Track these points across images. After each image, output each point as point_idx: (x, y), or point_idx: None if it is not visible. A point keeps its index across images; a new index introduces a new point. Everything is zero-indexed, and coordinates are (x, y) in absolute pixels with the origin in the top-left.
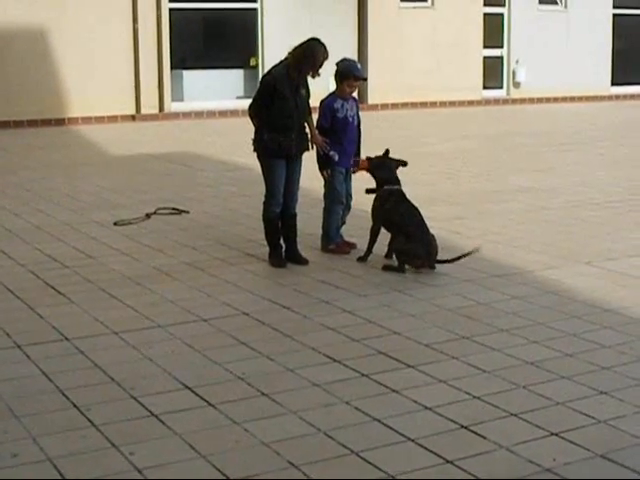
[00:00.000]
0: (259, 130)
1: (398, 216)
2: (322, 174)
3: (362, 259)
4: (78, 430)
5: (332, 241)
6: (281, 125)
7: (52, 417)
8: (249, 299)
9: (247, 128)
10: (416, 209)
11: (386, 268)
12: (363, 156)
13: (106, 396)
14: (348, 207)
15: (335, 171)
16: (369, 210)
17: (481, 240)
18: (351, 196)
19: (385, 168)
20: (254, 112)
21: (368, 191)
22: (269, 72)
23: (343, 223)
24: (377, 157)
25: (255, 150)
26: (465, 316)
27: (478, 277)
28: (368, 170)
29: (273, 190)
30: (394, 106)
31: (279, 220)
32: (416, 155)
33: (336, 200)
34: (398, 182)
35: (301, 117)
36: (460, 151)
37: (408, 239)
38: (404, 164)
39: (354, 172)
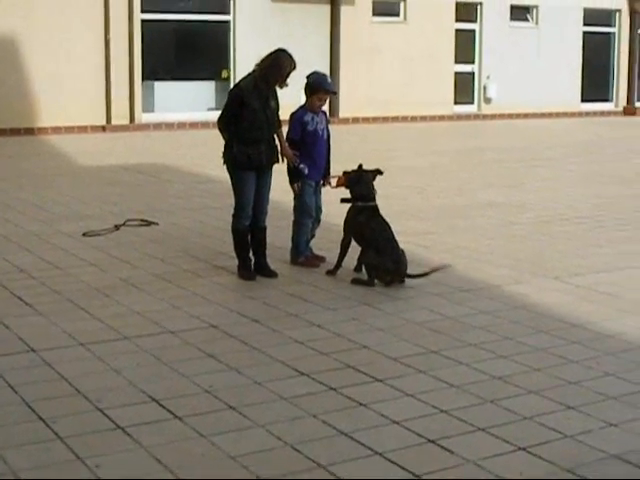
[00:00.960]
0: (229, 143)
1: (369, 230)
2: (292, 187)
3: (331, 272)
4: (43, 443)
5: (301, 254)
6: (250, 137)
7: (17, 429)
8: (217, 311)
9: (218, 140)
10: (387, 225)
11: (355, 282)
12: (335, 171)
13: (72, 408)
14: (318, 220)
15: (305, 184)
16: (339, 223)
17: (450, 255)
18: (321, 209)
19: (362, 184)
20: (223, 125)
21: (343, 200)
22: (237, 85)
23: (312, 236)
24: (353, 171)
25: (225, 162)
26: (433, 330)
27: (446, 291)
28: (346, 186)
29: (243, 203)
30: (365, 120)
31: (249, 233)
32: (387, 169)
33: (306, 213)
34: (373, 198)
35: (271, 129)
36: (431, 166)
37: (378, 253)
38: (380, 173)
39: (333, 187)
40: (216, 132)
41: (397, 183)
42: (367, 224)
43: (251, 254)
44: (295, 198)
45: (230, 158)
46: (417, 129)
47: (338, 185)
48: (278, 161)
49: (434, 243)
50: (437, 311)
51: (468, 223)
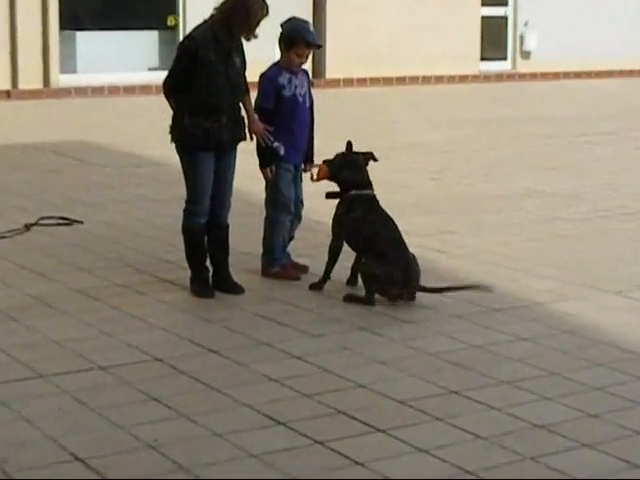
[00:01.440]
0: (178, 113)
1: (368, 229)
2: (264, 173)
3: (317, 286)
4: None
5: (276, 262)
6: (208, 106)
7: None
8: (163, 340)
9: (163, 110)
10: (392, 221)
11: (349, 299)
12: (319, 154)
13: None
14: (298, 217)
15: (281, 169)
16: (327, 222)
17: (475, 261)
18: (302, 203)
19: (351, 166)
20: (171, 89)
21: (329, 195)
22: (190, 35)
23: (291, 239)
24: (338, 155)
25: (173, 140)
26: (453, 363)
27: (471, 311)
28: (330, 177)
29: (197, 193)
30: (360, 82)
31: (205, 234)
32: (390, 148)
33: (282, 208)
34: (370, 185)
35: (235, 95)
36: (449, 142)
37: (381, 260)
38: (373, 158)
39: (314, 180)
40: (161, 99)
41: (403, 166)
42: (364, 220)
43: (208, 262)
44: (267, 188)
45: (180, 134)
46: (430, 93)
47: (320, 178)
48: (245, 138)
49: (453, 246)
50: (459, 338)
51: (499, 219)
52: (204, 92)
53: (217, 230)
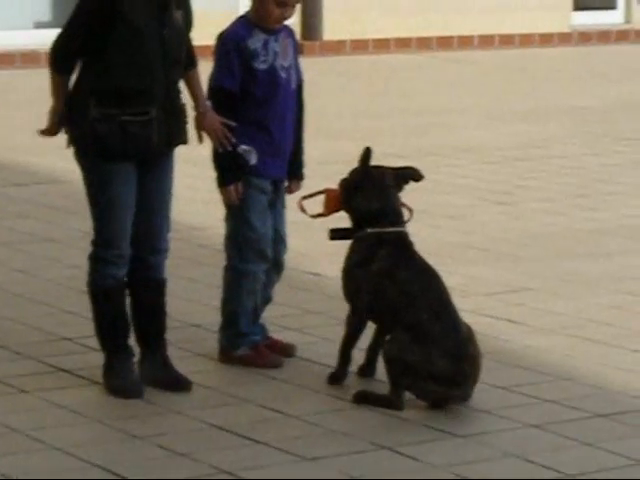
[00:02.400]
0: (79, 99)
1: (396, 290)
2: (224, 194)
3: (338, 378)
4: None
5: (243, 340)
6: (128, 89)
7: None
8: (60, 466)
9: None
10: (434, 275)
11: (362, 399)
12: (312, 171)
13: None
14: (278, 266)
15: (252, 188)
16: (331, 272)
17: (566, 338)
18: (285, 242)
19: (370, 189)
20: (65, 59)
21: (335, 235)
22: None
23: (268, 301)
24: (353, 172)
25: (70, 142)
26: None
27: (563, 416)
28: (343, 205)
29: (109, 230)
30: (377, 44)
31: (125, 294)
32: (427, 154)
33: (252, 252)
34: (399, 218)
35: (172, 71)
36: (523, 145)
37: (416, 339)
38: (414, 177)
39: (313, 216)
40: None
41: (448, 182)
42: (390, 275)
43: (133, 340)
44: (229, 218)
45: (82, 132)
46: (491, 64)
47: (330, 211)
48: (186, 140)
49: (531, 313)
50: (538, 462)
51: (604, 268)
52: (122, 66)
53: (146, 289)
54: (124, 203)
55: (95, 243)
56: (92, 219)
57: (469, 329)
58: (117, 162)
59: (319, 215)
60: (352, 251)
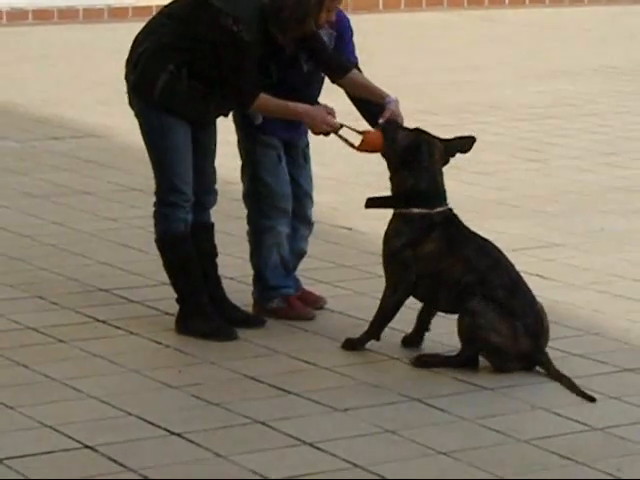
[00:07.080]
0: (171, 64)
1: (462, 269)
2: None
3: (356, 343)
4: None
5: (274, 293)
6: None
7: None
8: (96, 415)
9: (98, 44)
10: (494, 248)
11: (424, 363)
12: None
13: None
14: (305, 221)
15: (258, 144)
16: (370, 222)
17: (595, 295)
18: (311, 197)
19: (421, 161)
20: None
21: (372, 204)
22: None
23: (302, 255)
24: (407, 130)
25: (137, 94)
26: (562, 456)
27: (585, 372)
28: (384, 154)
29: (173, 174)
30: (409, 2)
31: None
32: (458, 111)
33: (267, 207)
34: (444, 197)
35: None
36: (553, 103)
37: (500, 315)
38: (464, 149)
39: (360, 149)
40: (96, 29)
41: (479, 139)
42: (449, 256)
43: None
44: (243, 175)
45: (163, 93)
46: (520, 22)
47: (365, 147)
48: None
49: (559, 268)
50: (569, 415)
51: (632, 226)
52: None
53: (201, 230)
54: (185, 147)
55: (162, 191)
56: (154, 169)
57: (541, 306)
58: (177, 119)
59: (351, 145)
60: (399, 232)
